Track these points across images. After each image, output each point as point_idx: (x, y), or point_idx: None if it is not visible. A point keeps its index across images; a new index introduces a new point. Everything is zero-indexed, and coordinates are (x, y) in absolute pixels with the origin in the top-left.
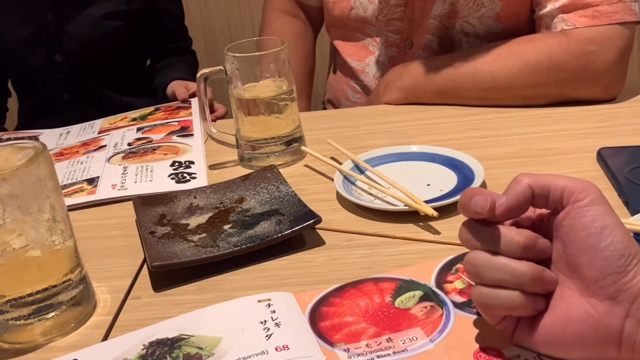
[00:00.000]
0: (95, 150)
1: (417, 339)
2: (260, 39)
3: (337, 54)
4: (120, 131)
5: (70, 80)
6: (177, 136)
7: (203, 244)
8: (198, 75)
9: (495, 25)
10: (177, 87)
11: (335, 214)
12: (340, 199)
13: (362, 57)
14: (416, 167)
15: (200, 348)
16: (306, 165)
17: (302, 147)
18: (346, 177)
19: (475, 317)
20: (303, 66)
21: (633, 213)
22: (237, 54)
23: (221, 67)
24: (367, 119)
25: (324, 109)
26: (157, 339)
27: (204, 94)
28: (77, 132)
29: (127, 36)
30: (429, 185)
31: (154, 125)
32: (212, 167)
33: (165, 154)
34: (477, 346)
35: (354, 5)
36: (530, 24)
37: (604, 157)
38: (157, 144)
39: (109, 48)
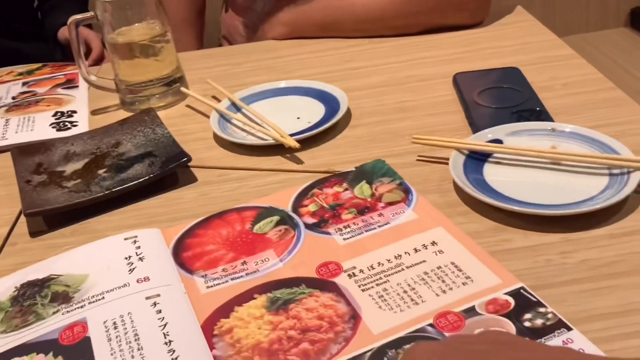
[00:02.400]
0: None
1: (268, 259)
2: None
3: None
4: (5, 85)
5: None
6: (62, 88)
7: (76, 190)
8: (69, 22)
9: None
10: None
11: (210, 152)
12: (216, 137)
13: None
14: (289, 102)
15: (68, 286)
16: (187, 106)
17: (182, 88)
18: (222, 116)
19: (321, 236)
20: (192, 6)
21: (475, 132)
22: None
23: (92, 13)
24: (251, 55)
25: (220, 45)
26: (27, 281)
27: (77, 41)
28: None
29: None
30: (298, 118)
31: (40, 79)
32: (94, 112)
33: (49, 105)
34: (320, 261)
35: None
36: None
37: (457, 81)
38: (41, 97)
39: None
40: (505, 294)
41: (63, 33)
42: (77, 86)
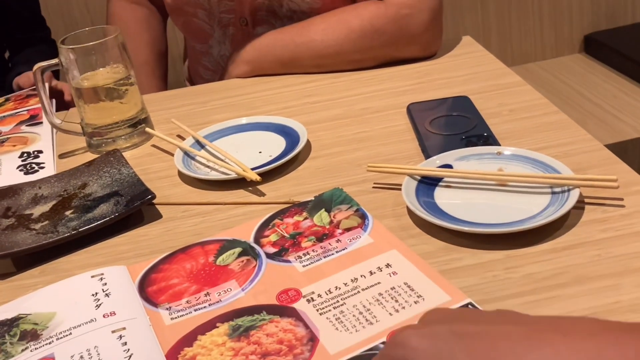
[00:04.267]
0: None
1: (231, 289)
2: (94, 28)
3: (185, 37)
4: None
5: None
6: (27, 125)
7: (44, 231)
8: (34, 68)
9: (314, 1)
10: (20, 79)
11: (175, 189)
12: (181, 174)
13: (205, 39)
14: (251, 137)
15: (36, 324)
16: (153, 145)
17: (147, 129)
18: (187, 154)
19: (282, 264)
20: (152, 49)
21: (427, 158)
22: (70, 46)
23: (56, 60)
24: (215, 94)
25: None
26: None
27: (42, 87)
28: None
29: None
30: (260, 152)
31: (4, 116)
32: (61, 155)
33: (15, 145)
34: (280, 288)
35: None
36: None
37: (411, 111)
38: (5, 136)
39: None
40: None
41: (16, 81)
42: (41, 122)
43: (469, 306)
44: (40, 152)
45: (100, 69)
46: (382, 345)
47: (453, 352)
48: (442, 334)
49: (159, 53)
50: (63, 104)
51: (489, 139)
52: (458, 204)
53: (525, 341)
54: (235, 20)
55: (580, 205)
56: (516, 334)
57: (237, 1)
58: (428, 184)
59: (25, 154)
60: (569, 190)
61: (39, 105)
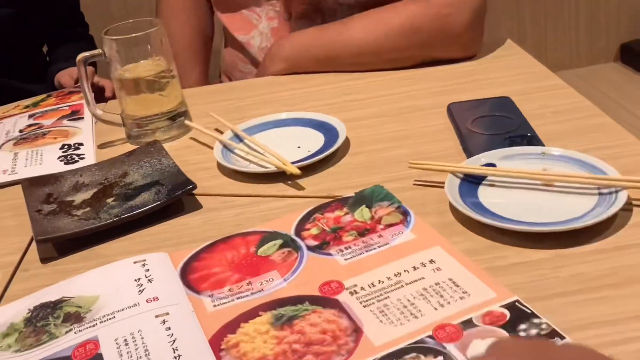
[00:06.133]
0: None
1: (273, 279)
2: (137, 20)
3: (225, 28)
4: (12, 119)
5: None
6: (68, 120)
7: (86, 217)
8: (78, 59)
9: None
10: (62, 76)
11: (214, 180)
12: (220, 166)
13: (248, 30)
14: (289, 132)
15: (80, 307)
16: (192, 138)
17: (186, 122)
18: (225, 146)
19: (323, 257)
20: (197, 35)
21: (469, 157)
22: (114, 37)
23: (100, 50)
24: (252, 90)
25: (221, 82)
26: (40, 303)
27: (85, 77)
28: None
29: (19, 23)
30: (299, 147)
31: (45, 111)
32: (101, 146)
33: (55, 138)
34: (322, 280)
35: None
36: None
37: (452, 111)
38: (47, 129)
39: (3, 35)
40: (501, 306)
41: (57, 78)
42: (82, 117)
43: (516, 304)
44: (81, 144)
45: (142, 61)
46: (428, 339)
47: None
48: None
49: (204, 39)
50: (103, 100)
51: (532, 140)
52: (502, 202)
53: None
54: (280, 13)
55: (627, 207)
56: None
57: None
58: (471, 182)
59: (66, 146)
60: (616, 191)
61: (80, 101)
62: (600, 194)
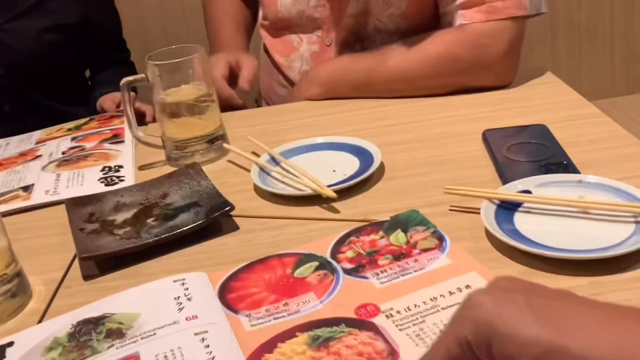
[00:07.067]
0: (31, 160)
1: (309, 301)
2: (180, 46)
3: (266, 50)
4: (55, 141)
5: (10, 92)
6: (109, 143)
7: (127, 236)
8: (122, 83)
9: (403, 22)
10: (104, 101)
11: (251, 202)
12: (257, 189)
13: (289, 53)
14: (325, 156)
15: (121, 323)
16: (229, 161)
17: (224, 145)
18: (262, 169)
19: (359, 280)
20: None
21: (504, 184)
22: (157, 62)
23: (143, 75)
24: (289, 114)
25: (258, 105)
26: (83, 319)
27: (128, 101)
28: (16, 144)
29: (66, 48)
30: (334, 171)
31: (87, 134)
32: (141, 167)
33: (97, 160)
34: (358, 303)
35: (279, 9)
36: (434, 20)
37: (487, 137)
38: (89, 152)
39: (48, 60)
40: None
41: (100, 102)
42: (122, 141)
43: None
44: (121, 166)
45: (183, 85)
46: None
47: (528, 319)
48: (517, 302)
49: (246, 27)
50: (143, 124)
51: (568, 167)
52: (539, 229)
53: (598, 321)
54: (322, 39)
55: None
56: (588, 313)
57: (327, 21)
58: (507, 208)
59: (107, 168)
60: None
61: (122, 125)
62: (637, 222)
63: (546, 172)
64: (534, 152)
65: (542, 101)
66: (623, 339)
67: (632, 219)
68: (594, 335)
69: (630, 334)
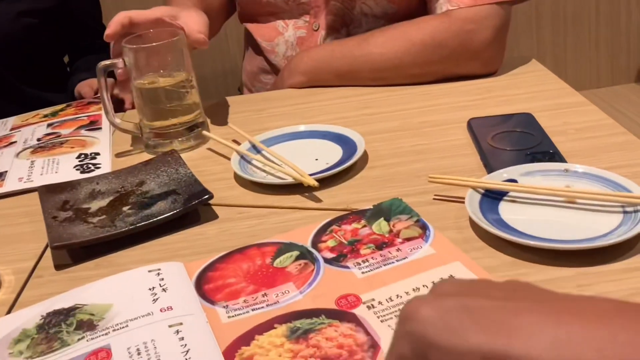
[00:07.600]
0: (5, 146)
1: (289, 292)
2: (158, 30)
3: (248, 35)
4: (31, 127)
5: None
6: (86, 130)
7: (101, 225)
8: (98, 67)
9: (390, 6)
10: (82, 87)
11: (231, 191)
12: (237, 177)
13: (272, 37)
14: (307, 144)
15: (93, 314)
16: (209, 149)
17: (204, 132)
18: (243, 157)
19: (340, 269)
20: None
21: (489, 173)
22: (134, 46)
23: (120, 59)
24: (270, 102)
25: (241, 93)
26: (53, 310)
27: (105, 87)
28: None
29: (43, 33)
30: (317, 159)
31: (64, 120)
32: (118, 155)
33: (73, 147)
34: (339, 293)
35: None
36: (421, 4)
37: (472, 126)
38: (65, 138)
39: (25, 45)
40: None
41: (77, 89)
42: (100, 128)
43: None
44: (97, 154)
45: (162, 71)
46: None
47: (463, 327)
48: (453, 307)
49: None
50: (122, 111)
51: (554, 156)
52: (524, 219)
53: (539, 321)
54: (309, 24)
55: None
56: (529, 312)
57: (314, 5)
58: (492, 198)
59: (83, 155)
60: None
61: (99, 112)
62: (624, 212)
63: (532, 161)
64: (520, 140)
65: (528, 89)
66: (560, 339)
67: (619, 209)
68: (532, 337)
69: (571, 333)
